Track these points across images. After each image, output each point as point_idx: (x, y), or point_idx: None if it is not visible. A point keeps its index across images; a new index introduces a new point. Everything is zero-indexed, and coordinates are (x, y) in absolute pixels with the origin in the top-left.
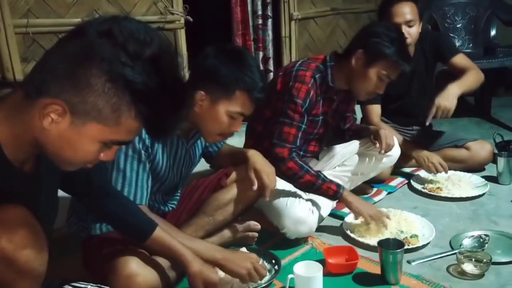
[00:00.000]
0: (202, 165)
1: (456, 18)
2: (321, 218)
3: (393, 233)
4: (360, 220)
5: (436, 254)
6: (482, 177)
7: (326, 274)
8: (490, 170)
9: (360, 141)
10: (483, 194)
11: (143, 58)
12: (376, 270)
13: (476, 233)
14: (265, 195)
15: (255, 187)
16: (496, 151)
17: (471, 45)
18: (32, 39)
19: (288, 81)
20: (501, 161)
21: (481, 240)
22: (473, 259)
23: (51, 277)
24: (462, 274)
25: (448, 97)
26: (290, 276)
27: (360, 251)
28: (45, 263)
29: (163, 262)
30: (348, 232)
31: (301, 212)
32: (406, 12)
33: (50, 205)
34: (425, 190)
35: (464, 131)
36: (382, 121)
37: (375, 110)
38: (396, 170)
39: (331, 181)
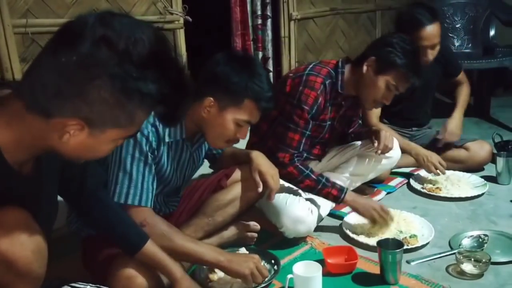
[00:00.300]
0: (202, 166)
1: (455, 18)
2: (320, 218)
3: (392, 233)
4: (362, 221)
5: (435, 254)
6: (481, 177)
7: (326, 274)
8: (489, 170)
9: (361, 143)
10: (482, 194)
11: (149, 63)
12: (376, 270)
13: (475, 233)
14: (271, 198)
15: (260, 189)
16: (495, 151)
17: (470, 45)
18: (31, 39)
19: (298, 84)
20: (500, 161)
21: (480, 240)
22: (472, 259)
23: (50, 278)
24: (461, 274)
25: (458, 125)
26: (289, 276)
27: (359, 251)
28: (45, 265)
29: None
30: (348, 231)
31: (300, 211)
32: (435, 35)
33: (49, 206)
34: (424, 190)
35: (463, 131)
36: (382, 122)
37: (375, 111)
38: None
39: (333, 186)
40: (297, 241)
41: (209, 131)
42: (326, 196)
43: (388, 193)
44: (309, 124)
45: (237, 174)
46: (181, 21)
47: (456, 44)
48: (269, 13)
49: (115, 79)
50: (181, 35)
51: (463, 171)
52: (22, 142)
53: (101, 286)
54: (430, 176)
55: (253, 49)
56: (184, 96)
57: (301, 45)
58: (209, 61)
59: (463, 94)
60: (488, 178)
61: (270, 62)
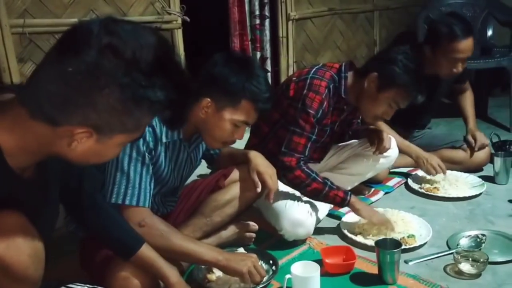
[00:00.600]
0: (200, 166)
1: None
2: (318, 220)
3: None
4: (360, 221)
5: (433, 254)
6: (479, 177)
7: (324, 274)
8: (487, 170)
9: (359, 142)
10: (480, 194)
11: (156, 69)
12: (374, 270)
13: (473, 232)
14: (270, 198)
15: (259, 189)
16: (492, 151)
17: None
18: (29, 39)
19: (301, 87)
20: (498, 161)
21: (478, 239)
22: (470, 259)
23: (47, 279)
24: (459, 273)
25: (481, 133)
26: (287, 276)
27: (357, 251)
28: (42, 270)
29: None
30: (346, 232)
31: (299, 214)
32: (470, 49)
33: (51, 209)
34: (422, 190)
35: (461, 131)
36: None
37: None
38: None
39: (338, 188)
40: (295, 241)
41: (206, 132)
42: (333, 199)
43: (386, 193)
44: (315, 128)
45: (235, 174)
46: (179, 21)
47: None
48: (267, 13)
49: (124, 88)
50: (179, 35)
51: (462, 171)
52: (25, 148)
53: (99, 287)
54: (428, 176)
55: (251, 49)
56: (189, 99)
57: (299, 45)
58: (207, 62)
59: (471, 105)
60: (486, 178)
61: (268, 62)
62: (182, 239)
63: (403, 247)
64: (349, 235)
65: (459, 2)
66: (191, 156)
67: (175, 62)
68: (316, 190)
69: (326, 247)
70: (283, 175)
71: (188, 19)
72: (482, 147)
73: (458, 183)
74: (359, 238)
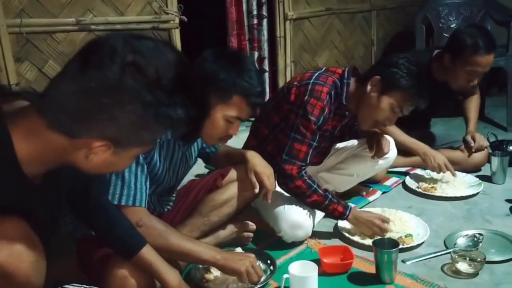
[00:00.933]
0: (198, 166)
1: (450, 18)
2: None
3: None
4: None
5: (430, 253)
6: (476, 176)
7: (321, 273)
8: (484, 169)
9: (358, 142)
10: (477, 193)
11: (177, 88)
12: (371, 269)
13: (470, 232)
14: (268, 198)
15: (257, 190)
16: (490, 151)
17: None
18: (26, 39)
19: (303, 93)
20: (495, 160)
21: (475, 239)
22: (467, 258)
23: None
24: (457, 273)
25: (480, 135)
26: (285, 276)
27: (355, 251)
28: (43, 276)
29: None
30: (343, 232)
31: (298, 216)
32: (489, 64)
33: (59, 214)
34: (420, 190)
35: (458, 131)
36: None
37: None
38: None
39: (338, 202)
40: (293, 241)
41: (201, 129)
42: (332, 212)
43: (383, 192)
44: (316, 135)
45: (232, 174)
46: (177, 20)
47: None
48: (264, 13)
49: (147, 107)
50: (176, 35)
51: (459, 171)
52: (41, 156)
53: (96, 287)
54: (425, 175)
55: (249, 49)
56: (206, 114)
57: (296, 45)
58: (198, 58)
59: (475, 108)
60: (483, 178)
61: (266, 62)
62: (180, 239)
63: (400, 246)
64: (347, 235)
65: (456, 2)
66: (186, 155)
67: (193, 78)
68: (316, 202)
69: (324, 247)
70: (283, 183)
71: (185, 19)
72: (480, 149)
73: (455, 183)
74: (357, 238)
